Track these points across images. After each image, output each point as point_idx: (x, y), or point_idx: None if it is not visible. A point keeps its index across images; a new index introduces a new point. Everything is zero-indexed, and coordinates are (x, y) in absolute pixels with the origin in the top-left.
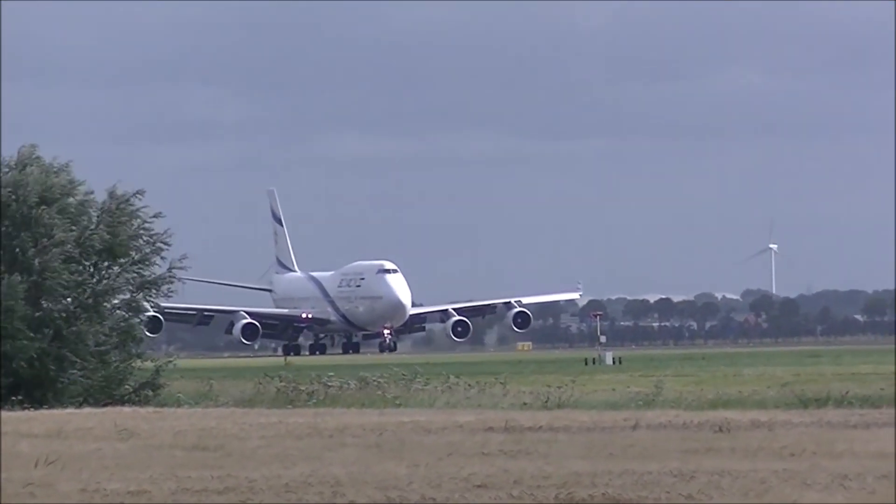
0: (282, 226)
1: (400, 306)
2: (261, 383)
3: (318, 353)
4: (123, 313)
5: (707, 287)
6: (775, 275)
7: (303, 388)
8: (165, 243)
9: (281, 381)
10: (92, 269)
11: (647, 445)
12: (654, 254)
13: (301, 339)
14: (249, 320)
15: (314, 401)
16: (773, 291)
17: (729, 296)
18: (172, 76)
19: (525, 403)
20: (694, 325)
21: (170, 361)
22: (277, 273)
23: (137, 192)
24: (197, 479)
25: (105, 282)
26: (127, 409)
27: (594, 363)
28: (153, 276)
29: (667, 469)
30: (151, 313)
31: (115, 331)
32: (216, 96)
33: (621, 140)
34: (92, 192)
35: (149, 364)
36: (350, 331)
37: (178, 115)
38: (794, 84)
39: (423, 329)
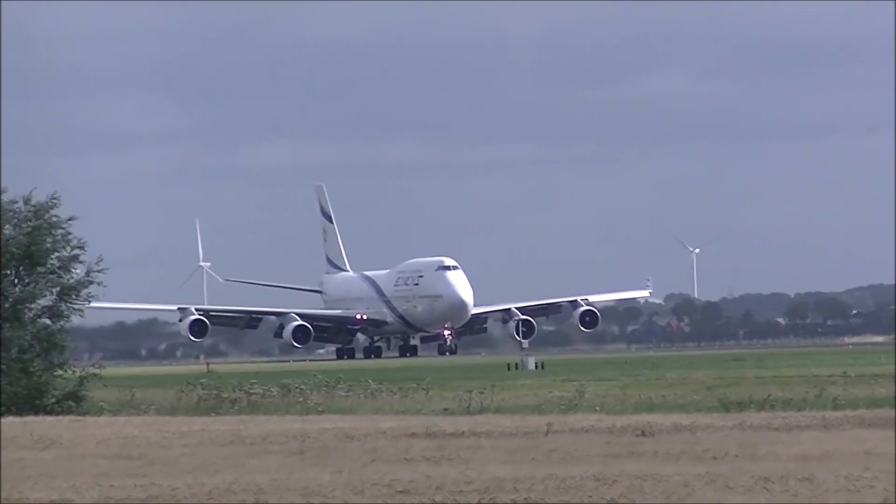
0: (332, 223)
1: (462, 305)
2: (183, 391)
3: (373, 356)
4: (46, 321)
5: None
6: (697, 279)
7: (225, 395)
8: (81, 247)
9: (203, 389)
10: (13, 277)
11: (570, 450)
12: (578, 259)
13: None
14: (301, 322)
15: (237, 408)
16: (696, 295)
17: (651, 300)
18: (97, 84)
19: (447, 409)
20: (616, 329)
21: (95, 373)
22: (327, 273)
23: (53, 198)
24: (120, 488)
25: (25, 288)
26: (49, 419)
27: (517, 368)
28: (73, 281)
29: (589, 473)
30: (196, 317)
31: (37, 339)
32: (143, 104)
33: (549, 146)
34: (16, 202)
35: (71, 374)
36: (407, 332)
37: (102, 124)
38: (721, 88)
39: (485, 330)
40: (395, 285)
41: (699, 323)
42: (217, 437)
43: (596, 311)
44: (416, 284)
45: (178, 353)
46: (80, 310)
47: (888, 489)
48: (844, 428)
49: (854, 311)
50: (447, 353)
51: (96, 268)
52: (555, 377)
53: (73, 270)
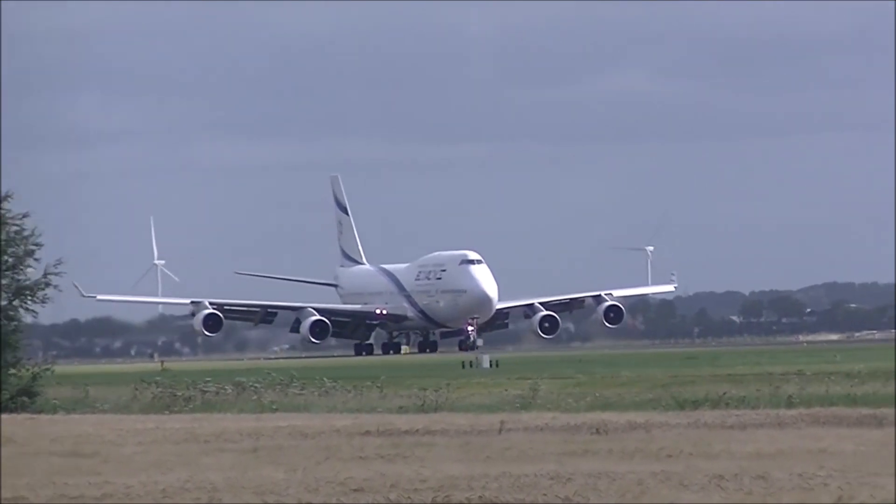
0: (347, 214)
1: (486, 300)
2: (137, 389)
3: (391, 352)
4: None
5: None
6: (651, 277)
7: (179, 393)
8: (37, 244)
9: (157, 387)
10: None
11: (524, 448)
12: (542, 256)
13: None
14: (319, 317)
15: (191, 406)
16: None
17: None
18: (52, 82)
19: (402, 407)
20: (571, 326)
21: (47, 368)
22: (343, 266)
23: (7, 197)
24: (74, 486)
25: None
26: (3, 416)
27: (471, 366)
28: (28, 281)
29: (544, 471)
30: (210, 311)
31: None
32: (100, 102)
33: (510, 145)
34: None
35: (25, 372)
36: (428, 328)
37: (59, 121)
38: (680, 87)
39: (506, 326)
40: (416, 279)
41: (653, 321)
42: (171, 436)
43: (621, 306)
44: (439, 279)
45: (133, 352)
46: (34, 311)
47: (842, 487)
48: (799, 426)
49: (809, 310)
50: (469, 349)
51: (54, 270)
52: (509, 375)
53: (27, 268)
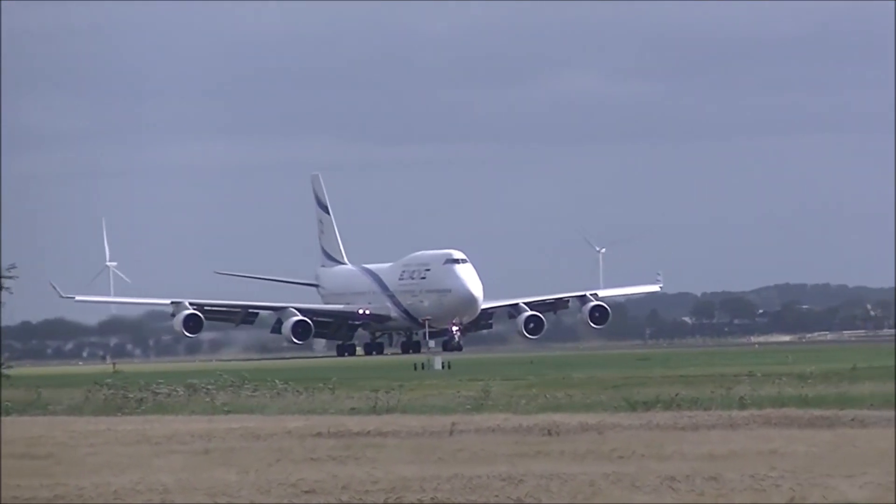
0: (328, 214)
1: (471, 300)
2: (90, 391)
3: (374, 353)
4: None
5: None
6: (603, 278)
7: (131, 395)
8: None
9: (109, 389)
10: None
11: (476, 449)
12: (493, 259)
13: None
14: (301, 317)
15: (143, 408)
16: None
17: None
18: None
19: (354, 409)
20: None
21: (10, 366)
22: (324, 266)
23: None
24: (26, 488)
25: None
26: None
27: (423, 368)
28: None
29: (496, 473)
30: (191, 311)
31: None
32: (47, 104)
33: (464, 146)
34: None
35: None
36: (412, 328)
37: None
38: (633, 88)
39: (490, 326)
40: (400, 279)
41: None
42: (123, 437)
43: (606, 306)
44: (423, 278)
45: (85, 353)
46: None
47: (794, 488)
48: (751, 427)
49: (761, 311)
50: (455, 350)
51: (8, 274)
52: (461, 377)
53: None
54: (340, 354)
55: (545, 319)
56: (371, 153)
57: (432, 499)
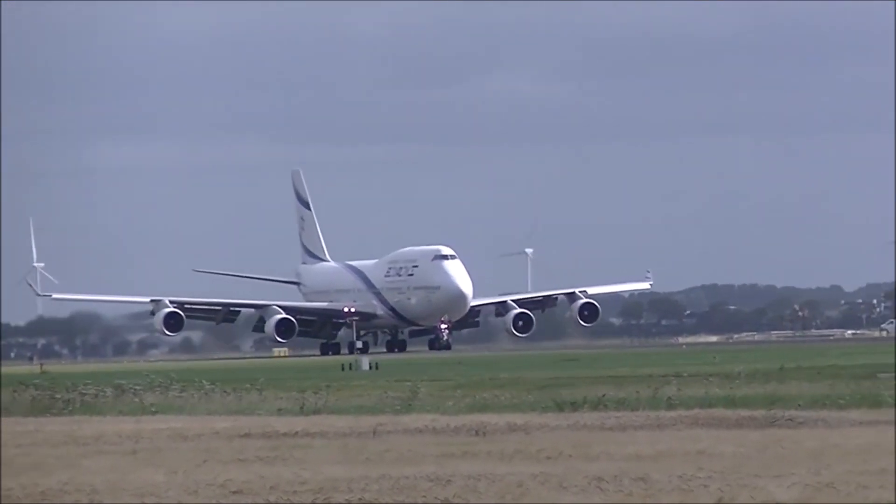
0: (309, 210)
1: (461, 297)
2: (16, 392)
3: (358, 352)
4: None
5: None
6: (531, 279)
7: (58, 396)
8: None
9: (36, 390)
10: None
11: (404, 450)
12: None
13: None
14: (284, 315)
15: (70, 409)
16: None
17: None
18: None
19: (281, 409)
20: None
21: None
22: (305, 263)
23: None
24: None
25: None
26: None
27: (350, 368)
28: None
29: (423, 473)
30: (171, 310)
31: None
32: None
33: (395, 146)
34: None
35: None
36: (398, 326)
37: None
38: (565, 90)
39: (477, 324)
40: (387, 276)
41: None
42: (51, 438)
43: (596, 304)
44: (411, 275)
45: (13, 354)
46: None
47: (722, 489)
48: (678, 428)
49: (688, 312)
50: (441, 349)
51: None
52: (389, 378)
53: None
54: (325, 353)
55: (534, 317)
56: (302, 153)
57: (360, 499)
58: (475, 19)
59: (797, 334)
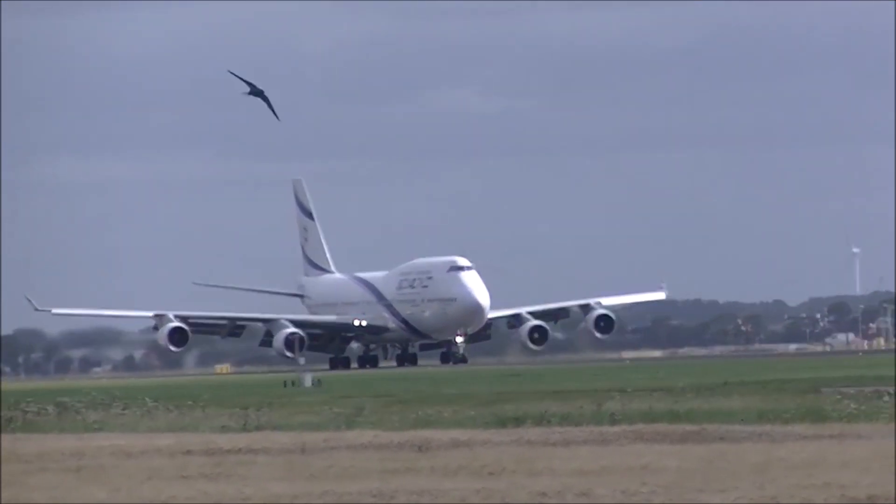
0: (312, 220)
1: (478, 309)
2: None
3: (368, 366)
4: None
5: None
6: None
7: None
8: None
9: None
10: None
11: (347, 466)
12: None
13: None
14: (294, 329)
15: (12, 427)
16: (426, 315)
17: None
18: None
19: (224, 426)
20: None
21: None
22: (308, 275)
23: None
24: None
25: None
26: None
27: (293, 385)
28: None
29: (367, 489)
30: (176, 324)
31: None
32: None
33: (339, 162)
34: None
35: None
36: (410, 339)
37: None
38: (509, 105)
39: (489, 337)
40: (399, 288)
41: (474, 337)
42: None
43: (612, 315)
44: (425, 287)
45: None
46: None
47: None
48: (622, 443)
49: (631, 327)
50: (457, 362)
51: None
52: (332, 393)
53: None
54: (333, 368)
55: (549, 329)
56: (249, 169)
57: None
58: (420, 36)
59: (741, 349)
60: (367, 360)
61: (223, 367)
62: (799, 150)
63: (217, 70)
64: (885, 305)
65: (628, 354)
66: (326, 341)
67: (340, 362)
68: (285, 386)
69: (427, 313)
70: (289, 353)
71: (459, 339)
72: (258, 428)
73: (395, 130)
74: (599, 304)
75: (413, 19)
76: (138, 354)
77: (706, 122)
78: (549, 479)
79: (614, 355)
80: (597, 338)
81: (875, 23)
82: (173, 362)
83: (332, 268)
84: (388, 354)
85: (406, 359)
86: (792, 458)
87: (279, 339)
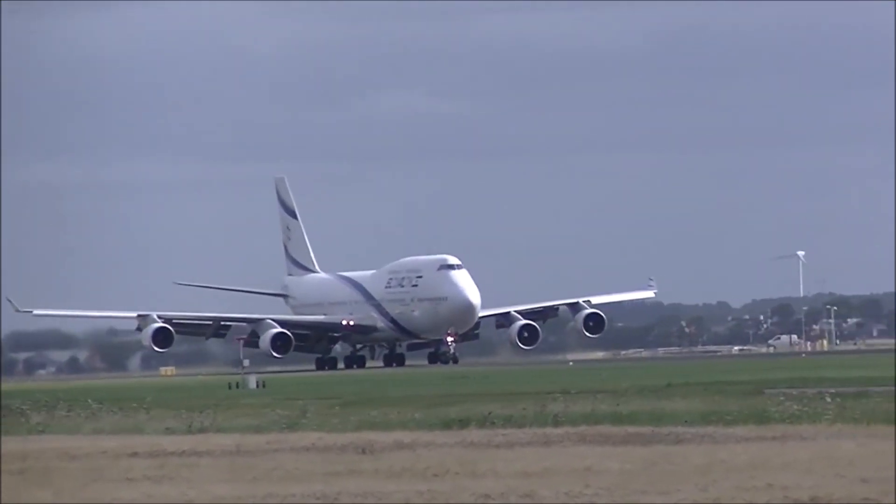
0: (295, 219)
1: (469, 308)
2: None
3: (355, 366)
4: None
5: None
6: None
7: None
8: None
9: None
10: None
11: (291, 468)
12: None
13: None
14: (280, 330)
15: None
16: (416, 315)
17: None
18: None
19: (169, 428)
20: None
21: None
22: (292, 275)
23: None
24: None
25: None
26: None
27: (237, 387)
28: None
29: (310, 491)
30: (160, 325)
31: None
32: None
33: (290, 164)
34: None
35: None
36: (399, 339)
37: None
38: (458, 107)
39: (477, 336)
40: (387, 287)
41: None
42: None
43: (602, 314)
44: (415, 286)
45: None
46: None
47: None
48: (565, 445)
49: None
50: (448, 362)
51: None
52: (276, 396)
53: None
54: (320, 368)
55: (540, 329)
56: (200, 171)
57: None
58: (368, 38)
59: (684, 350)
60: (354, 361)
61: (168, 370)
62: (743, 153)
63: (165, 72)
64: (827, 307)
65: (572, 356)
66: (314, 342)
67: (327, 363)
68: (230, 388)
69: (417, 312)
70: (276, 354)
71: (450, 339)
72: (202, 430)
73: (343, 134)
74: (588, 302)
75: (360, 22)
76: (82, 356)
77: (650, 125)
78: (492, 480)
79: (559, 357)
80: (587, 337)
81: (832, 23)
82: (118, 364)
83: (316, 267)
84: (375, 355)
85: (393, 359)
86: (735, 459)
87: (265, 339)
